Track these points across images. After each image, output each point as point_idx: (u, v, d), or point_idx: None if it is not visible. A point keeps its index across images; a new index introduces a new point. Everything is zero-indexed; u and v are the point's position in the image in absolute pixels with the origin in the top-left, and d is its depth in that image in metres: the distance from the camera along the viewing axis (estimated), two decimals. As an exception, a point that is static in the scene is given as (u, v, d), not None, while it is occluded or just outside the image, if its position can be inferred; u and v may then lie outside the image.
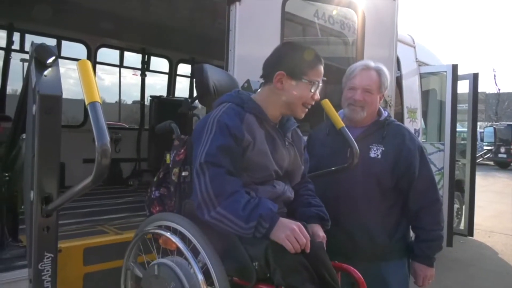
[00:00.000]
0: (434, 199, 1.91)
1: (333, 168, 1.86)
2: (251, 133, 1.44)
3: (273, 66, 1.51)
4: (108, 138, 1.02)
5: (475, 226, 5.22)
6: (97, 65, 5.16)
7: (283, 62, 1.50)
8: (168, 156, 1.59)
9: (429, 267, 1.91)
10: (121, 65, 5.47)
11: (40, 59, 1.30)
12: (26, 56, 4.60)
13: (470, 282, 4.25)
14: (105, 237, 2.27)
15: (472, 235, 5.20)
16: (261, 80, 2.05)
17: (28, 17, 4.16)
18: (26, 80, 1.46)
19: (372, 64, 1.96)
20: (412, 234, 2.02)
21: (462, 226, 5.37)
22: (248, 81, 2.04)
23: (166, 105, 5.25)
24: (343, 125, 1.79)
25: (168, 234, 1.40)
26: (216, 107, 1.53)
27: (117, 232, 2.40)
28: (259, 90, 1.63)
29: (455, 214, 5.30)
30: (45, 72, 1.29)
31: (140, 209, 3.23)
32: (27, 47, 4.49)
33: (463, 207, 5.40)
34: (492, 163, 17.81)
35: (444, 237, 2.94)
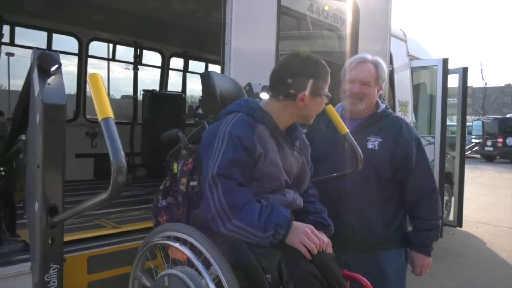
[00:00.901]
0: (431, 189, 1.96)
1: (334, 174, 1.89)
2: (262, 144, 1.44)
3: (294, 85, 1.48)
4: (123, 154, 0.99)
5: (463, 218, 5.34)
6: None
7: (306, 82, 1.48)
8: (175, 166, 1.57)
9: (426, 256, 1.96)
10: (113, 59, 5.41)
11: (44, 67, 1.28)
12: (16, 50, 4.52)
13: (459, 271, 4.35)
14: (103, 231, 2.28)
15: (461, 226, 5.33)
16: (262, 84, 2.04)
17: (18, 10, 4.08)
18: (28, 85, 1.43)
19: (369, 57, 1.99)
20: (409, 224, 2.06)
21: (451, 217, 5.48)
22: (249, 84, 2.04)
23: (159, 99, 5.23)
24: (347, 131, 1.81)
25: (177, 245, 1.39)
26: (224, 116, 1.52)
27: (115, 226, 2.40)
28: (265, 99, 1.62)
29: (444, 205, 5.41)
30: (49, 80, 1.27)
31: (135, 203, 3.23)
32: (17, 41, 4.43)
33: (452, 198, 5.52)
34: (479, 156, 18.15)
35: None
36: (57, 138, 1.24)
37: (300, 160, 1.60)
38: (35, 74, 1.28)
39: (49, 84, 1.25)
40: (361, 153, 1.78)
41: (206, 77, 1.72)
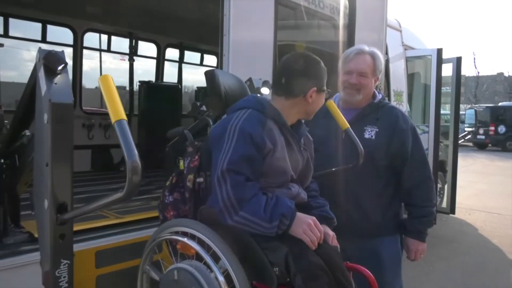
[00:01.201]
0: (426, 177, 2.01)
1: (334, 169, 1.93)
2: (272, 140, 1.48)
3: (303, 83, 1.54)
4: (137, 154, 1.01)
5: (456, 205, 5.44)
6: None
7: (313, 79, 1.56)
8: (181, 162, 1.61)
9: (421, 242, 2.02)
10: (108, 50, 5.37)
11: (50, 66, 1.28)
12: (6, 41, 4.46)
13: (452, 257, 4.46)
14: (107, 221, 2.32)
15: (454, 213, 5.44)
16: (263, 79, 2.05)
17: (12, 1, 4.04)
18: (32, 82, 1.43)
19: (366, 48, 2.02)
20: (405, 211, 2.12)
21: (444, 205, 5.59)
22: (250, 79, 2.06)
23: (155, 90, 5.24)
24: (348, 126, 1.86)
25: (186, 240, 1.42)
26: (232, 112, 1.55)
27: (117, 216, 2.44)
28: (266, 94, 1.66)
29: (437, 193, 5.52)
30: (55, 80, 1.27)
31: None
32: (12, 32, 4.39)
33: (445, 186, 5.61)
34: (471, 144, 18.36)
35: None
36: (65, 137, 1.25)
37: (305, 156, 1.65)
38: (42, 74, 1.28)
39: (55, 84, 1.26)
40: (362, 147, 1.83)
41: (210, 75, 1.74)
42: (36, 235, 1.89)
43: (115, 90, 1.09)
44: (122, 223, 2.34)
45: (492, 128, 17.62)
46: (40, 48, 1.32)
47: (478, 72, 34.26)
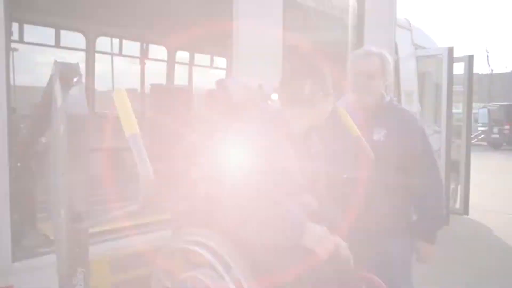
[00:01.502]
0: (436, 178, 2.01)
1: (344, 176, 1.94)
2: (282, 151, 1.50)
3: (309, 89, 1.55)
4: (151, 168, 1.03)
5: (470, 205, 5.37)
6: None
7: (318, 84, 1.57)
8: (193, 171, 1.66)
9: (430, 244, 2.01)
10: (120, 54, 5.45)
11: (66, 78, 1.32)
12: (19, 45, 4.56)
13: (465, 259, 4.40)
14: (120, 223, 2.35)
15: (467, 213, 5.36)
16: (273, 85, 2.08)
17: (26, 7, 4.12)
18: (48, 92, 1.47)
19: (374, 50, 2.03)
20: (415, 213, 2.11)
21: (457, 205, 5.52)
22: (260, 86, 2.07)
23: (166, 93, 5.28)
24: (359, 133, 1.85)
25: (199, 249, 1.45)
26: (244, 122, 1.58)
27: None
28: (276, 99, 1.68)
29: (451, 193, 5.45)
30: (71, 92, 1.31)
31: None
32: (26, 38, 4.48)
33: (458, 187, 5.54)
34: (485, 143, 18.03)
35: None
36: (81, 147, 1.28)
37: (316, 165, 1.66)
38: (57, 86, 1.31)
39: (71, 95, 1.29)
40: (372, 155, 1.82)
41: (221, 84, 1.78)
42: (51, 238, 1.93)
43: (129, 105, 1.12)
44: (137, 225, 2.37)
45: (507, 127, 17.29)
46: (55, 60, 1.35)
47: (492, 70, 33.72)
